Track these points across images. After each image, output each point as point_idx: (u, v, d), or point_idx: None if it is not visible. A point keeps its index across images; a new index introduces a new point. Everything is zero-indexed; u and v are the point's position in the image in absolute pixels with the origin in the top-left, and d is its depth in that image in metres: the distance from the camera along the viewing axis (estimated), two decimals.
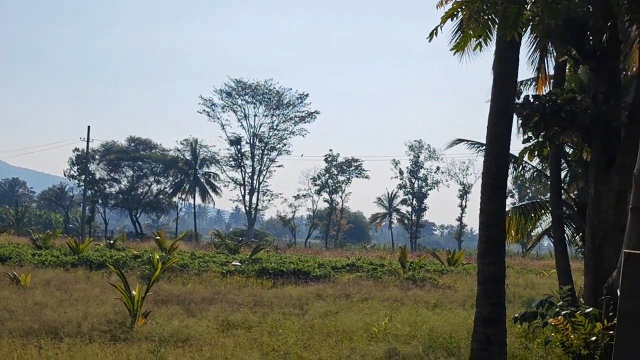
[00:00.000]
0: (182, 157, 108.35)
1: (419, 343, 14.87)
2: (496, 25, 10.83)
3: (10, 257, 35.04)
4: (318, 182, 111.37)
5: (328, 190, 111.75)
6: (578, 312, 7.75)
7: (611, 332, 6.14)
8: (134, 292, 17.21)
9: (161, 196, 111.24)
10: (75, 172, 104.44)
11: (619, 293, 5.24)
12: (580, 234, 22.11)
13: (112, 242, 53.46)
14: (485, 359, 11.62)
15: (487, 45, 10.43)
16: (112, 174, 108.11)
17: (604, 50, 13.56)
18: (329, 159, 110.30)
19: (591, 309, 7.87)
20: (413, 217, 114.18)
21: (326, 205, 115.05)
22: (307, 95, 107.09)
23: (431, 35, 11.27)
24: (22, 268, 29.54)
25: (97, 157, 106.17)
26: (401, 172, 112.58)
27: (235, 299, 22.52)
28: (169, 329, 15.72)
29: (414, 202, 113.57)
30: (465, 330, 15.39)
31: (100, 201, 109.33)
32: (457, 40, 12.29)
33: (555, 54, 18.06)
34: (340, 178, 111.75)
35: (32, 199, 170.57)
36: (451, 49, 11.95)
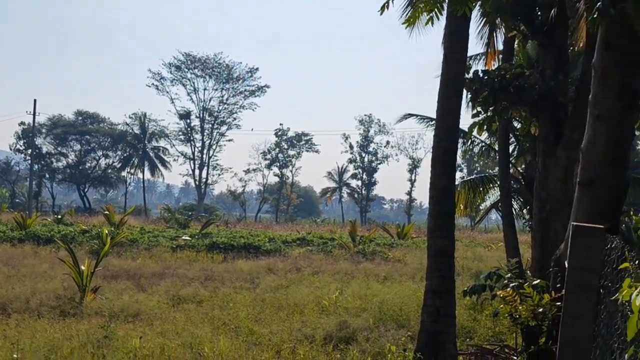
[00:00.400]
0: (130, 131, 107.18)
1: (370, 316, 14.99)
2: (447, 0, 10.86)
3: None
4: (268, 156, 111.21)
5: (278, 164, 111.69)
6: (526, 284, 7.88)
7: (559, 303, 6.27)
8: (82, 267, 17.06)
9: (109, 170, 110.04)
10: (21, 146, 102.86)
11: (566, 265, 5.33)
12: (528, 207, 22.39)
13: (59, 217, 52.80)
14: (435, 330, 11.75)
15: (438, 19, 10.46)
16: (59, 148, 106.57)
17: (552, 26, 13.68)
18: (280, 133, 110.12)
19: (539, 280, 8.01)
20: (363, 191, 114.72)
21: (276, 179, 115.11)
22: (257, 69, 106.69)
23: (383, 8, 11.27)
24: None
25: (43, 131, 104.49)
26: (351, 147, 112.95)
27: (186, 273, 22.47)
28: (119, 304, 15.64)
29: (364, 177, 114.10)
30: (415, 303, 15.55)
31: (47, 176, 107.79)
32: (408, 15, 12.32)
33: (504, 29, 18.18)
34: (291, 152, 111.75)
35: None
36: (402, 23, 11.97)
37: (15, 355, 10.36)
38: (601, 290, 5.20)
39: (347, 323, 14.01)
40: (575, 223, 5.51)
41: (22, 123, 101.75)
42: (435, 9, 9.80)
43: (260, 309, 16.14)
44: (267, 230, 52.37)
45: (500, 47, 20.63)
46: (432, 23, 10.51)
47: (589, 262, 5.12)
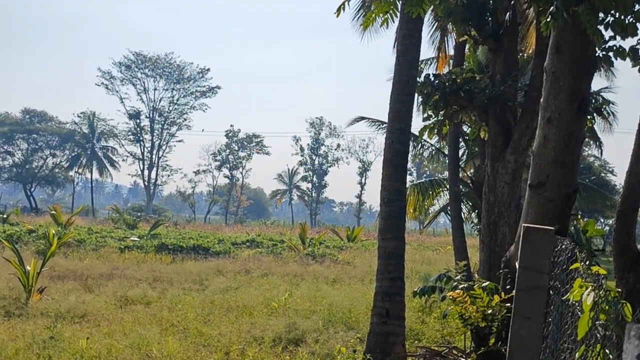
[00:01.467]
0: (79, 130, 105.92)
1: (319, 318, 14.99)
2: (401, 2, 10.90)
3: None
4: (218, 157, 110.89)
5: (228, 166, 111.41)
6: (476, 285, 7.95)
7: (508, 304, 6.33)
8: (28, 268, 16.80)
9: (57, 170, 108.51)
10: None
11: (516, 266, 5.38)
12: (477, 211, 22.63)
13: (5, 216, 51.91)
14: (384, 332, 11.79)
15: (393, 22, 10.47)
16: (5, 147, 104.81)
17: (502, 31, 13.84)
18: (230, 134, 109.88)
19: (488, 282, 8.08)
20: (313, 194, 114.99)
21: (226, 181, 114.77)
22: (208, 69, 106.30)
23: (339, 10, 11.28)
24: None
25: None
26: (302, 149, 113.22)
27: (134, 274, 22.25)
28: (66, 305, 15.42)
29: (314, 179, 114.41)
30: (364, 305, 15.60)
31: None
32: (364, 17, 12.36)
33: (455, 34, 18.36)
34: (241, 154, 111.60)
35: None
36: (361, 25, 11.99)
37: None
38: (550, 292, 5.26)
39: (297, 325, 14.00)
40: (525, 224, 5.57)
41: None
42: (391, 11, 9.81)
43: (209, 310, 16.04)
44: (216, 231, 52.11)
45: (452, 51, 20.87)
46: (387, 25, 10.53)
47: (538, 263, 5.18)
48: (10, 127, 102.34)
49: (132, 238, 35.91)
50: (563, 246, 5.19)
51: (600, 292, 3.46)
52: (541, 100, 7.75)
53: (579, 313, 3.65)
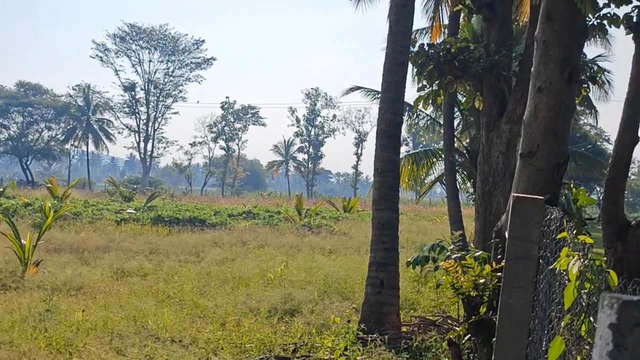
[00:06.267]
0: (74, 103, 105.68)
1: (315, 288, 15.06)
2: None
3: None
4: (214, 129, 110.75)
5: (224, 137, 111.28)
6: (468, 255, 7.98)
7: (499, 274, 6.34)
8: (24, 241, 16.82)
9: (53, 143, 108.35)
10: None
11: (507, 236, 5.40)
12: (472, 180, 22.67)
13: (1, 190, 51.94)
14: (379, 302, 11.85)
15: None
16: (0, 120, 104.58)
17: (496, 0, 13.77)
18: (226, 106, 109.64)
19: (480, 252, 8.11)
20: (309, 165, 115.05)
21: (222, 152, 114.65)
22: (203, 41, 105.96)
23: None
24: None
25: None
26: (298, 120, 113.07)
27: (130, 246, 22.30)
28: (62, 278, 15.46)
29: (311, 150, 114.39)
30: (360, 276, 15.66)
31: None
32: None
33: (449, 3, 18.30)
34: (237, 125, 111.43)
35: None
36: None
37: None
38: (540, 261, 5.28)
39: (292, 296, 14.06)
40: (515, 194, 5.57)
41: None
42: None
43: (205, 282, 16.10)
44: (213, 203, 52.20)
45: (446, 21, 20.81)
46: None
47: (528, 232, 5.19)
48: (5, 100, 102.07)
49: (128, 210, 35.98)
50: (552, 216, 5.21)
51: (585, 262, 3.48)
52: (532, 69, 7.72)
53: (566, 282, 3.66)
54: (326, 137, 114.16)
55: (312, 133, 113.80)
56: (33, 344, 9.83)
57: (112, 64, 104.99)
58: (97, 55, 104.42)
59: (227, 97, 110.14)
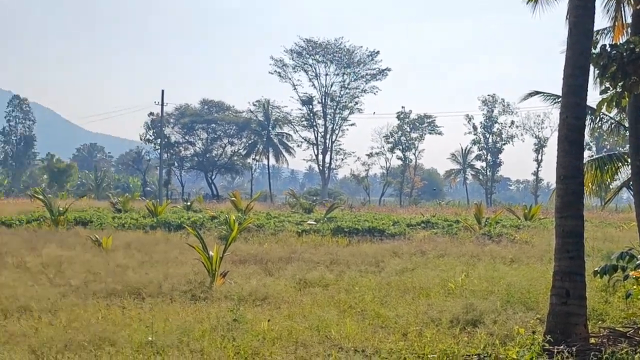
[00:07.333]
0: (254, 118, 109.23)
1: (497, 298, 14.77)
2: None
3: (91, 220, 35.99)
4: (391, 139, 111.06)
5: (401, 147, 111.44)
6: None
7: None
8: (211, 253, 17.42)
9: (235, 158, 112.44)
10: (151, 136, 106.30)
11: None
12: None
13: (189, 204, 54.34)
14: (565, 313, 11.47)
15: None
16: (186, 137, 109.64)
17: None
18: (402, 116, 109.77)
19: None
20: (488, 173, 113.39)
21: (399, 162, 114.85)
22: (377, 52, 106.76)
23: None
24: (104, 231, 30.30)
25: (171, 120, 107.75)
26: (475, 128, 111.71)
27: (312, 257, 22.68)
28: (248, 288, 15.92)
29: (489, 157, 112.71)
30: (544, 285, 15.23)
31: (176, 164, 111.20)
32: None
33: (632, 1, 17.54)
34: (413, 135, 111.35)
35: (110, 164, 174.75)
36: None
37: (150, 338, 10.72)
38: None
39: (474, 306, 13.84)
40: None
41: (151, 114, 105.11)
42: None
43: (385, 292, 16.12)
44: (391, 213, 52.32)
45: (629, 19, 19.92)
46: None
47: None
48: (191, 118, 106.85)
49: (308, 222, 36.62)
50: None
51: None
52: None
53: None
54: (504, 144, 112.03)
55: (490, 140, 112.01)
56: (222, 353, 10.17)
57: (289, 78, 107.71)
58: (275, 71, 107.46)
59: (402, 107, 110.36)
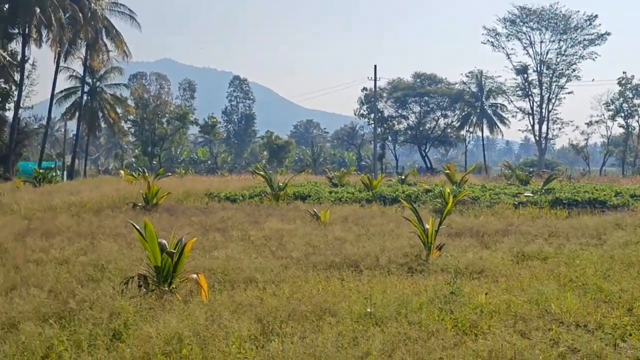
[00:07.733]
0: (467, 89, 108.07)
1: None
2: None
3: (309, 195, 37.03)
4: (612, 107, 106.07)
5: (623, 115, 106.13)
6: None
7: None
8: (427, 226, 17.45)
9: (449, 130, 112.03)
10: (364, 111, 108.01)
11: None
12: None
13: (403, 177, 54.67)
14: None
15: None
16: (399, 111, 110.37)
17: None
18: (623, 81, 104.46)
19: None
20: None
21: (622, 130, 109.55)
22: (596, 16, 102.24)
23: None
24: (321, 205, 31.11)
25: (384, 95, 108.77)
26: None
27: (529, 230, 22.20)
28: (464, 261, 15.82)
29: None
30: None
31: (389, 138, 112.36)
32: None
33: None
34: (636, 101, 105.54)
35: (325, 139, 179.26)
36: None
37: (368, 309, 10.93)
38: None
39: None
40: None
41: (364, 89, 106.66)
42: None
43: (608, 265, 15.51)
44: (613, 184, 50.11)
45: None
46: None
47: None
48: (404, 92, 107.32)
49: (525, 194, 35.87)
50: None
51: None
52: None
53: None
54: None
55: None
56: (440, 325, 10.20)
57: (503, 48, 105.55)
58: (488, 40, 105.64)
59: (624, 73, 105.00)
